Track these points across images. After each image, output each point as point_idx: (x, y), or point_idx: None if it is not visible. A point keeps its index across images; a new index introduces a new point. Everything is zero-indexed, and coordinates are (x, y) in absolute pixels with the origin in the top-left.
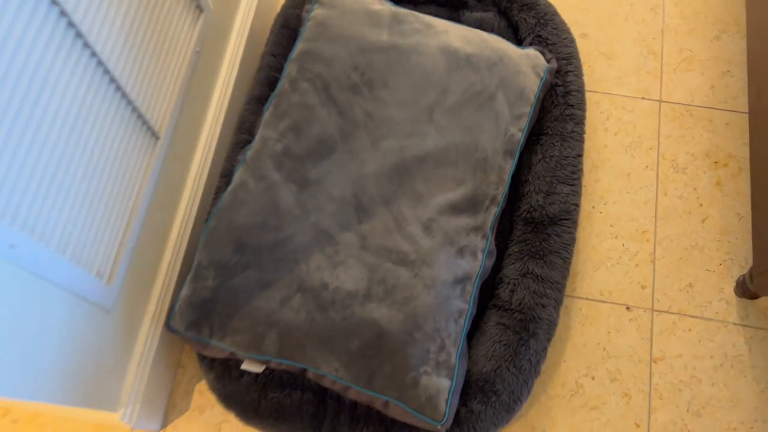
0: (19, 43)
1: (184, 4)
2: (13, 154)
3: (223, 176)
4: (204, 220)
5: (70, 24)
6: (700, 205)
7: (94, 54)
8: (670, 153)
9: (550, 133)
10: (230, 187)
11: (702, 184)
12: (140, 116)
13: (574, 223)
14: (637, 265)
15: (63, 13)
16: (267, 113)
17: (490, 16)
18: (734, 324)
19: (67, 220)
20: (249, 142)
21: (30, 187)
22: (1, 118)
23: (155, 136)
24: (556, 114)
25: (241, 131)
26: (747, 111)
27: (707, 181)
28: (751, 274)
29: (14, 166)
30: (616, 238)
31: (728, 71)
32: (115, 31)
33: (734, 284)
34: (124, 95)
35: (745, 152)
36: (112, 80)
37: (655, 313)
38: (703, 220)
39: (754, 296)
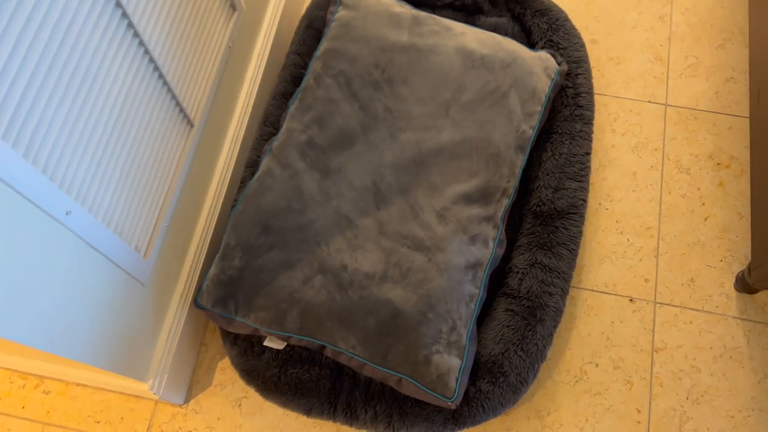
0: (81, 33)
1: (220, 3)
2: (71, 131)
3: (248, 166)
4: (230, 206)
5: (124, 15)
6: (703, 204)
7: (142, 44)
8: (675, 154)
9: (560, 131)
10: (257, 174)
11: (705, 184)
12: (178, 104)
13: (581, 218)
14: (641, 260)
15: (118, 4)
16: (293, 107)
17: (504, 20)
18: (733, 317)
19: (112, 195)
20: (273, 134)
21: (84, 162)
22: (63, 98)
23: (190, 123)
24: (566, 114)
25: (266, 124)
26: (749, 115)
27: (710, 181)
28: (750, 268)
29: (72, 142)
30: (621, 233)
31: (732, 77)
32: (160, 25)
33: (734, 279)
34: (165, 84)
35: (747, 155)
36: (156, 69)
37: (657, 305)
38: (706, 219)
39: (752, 291)
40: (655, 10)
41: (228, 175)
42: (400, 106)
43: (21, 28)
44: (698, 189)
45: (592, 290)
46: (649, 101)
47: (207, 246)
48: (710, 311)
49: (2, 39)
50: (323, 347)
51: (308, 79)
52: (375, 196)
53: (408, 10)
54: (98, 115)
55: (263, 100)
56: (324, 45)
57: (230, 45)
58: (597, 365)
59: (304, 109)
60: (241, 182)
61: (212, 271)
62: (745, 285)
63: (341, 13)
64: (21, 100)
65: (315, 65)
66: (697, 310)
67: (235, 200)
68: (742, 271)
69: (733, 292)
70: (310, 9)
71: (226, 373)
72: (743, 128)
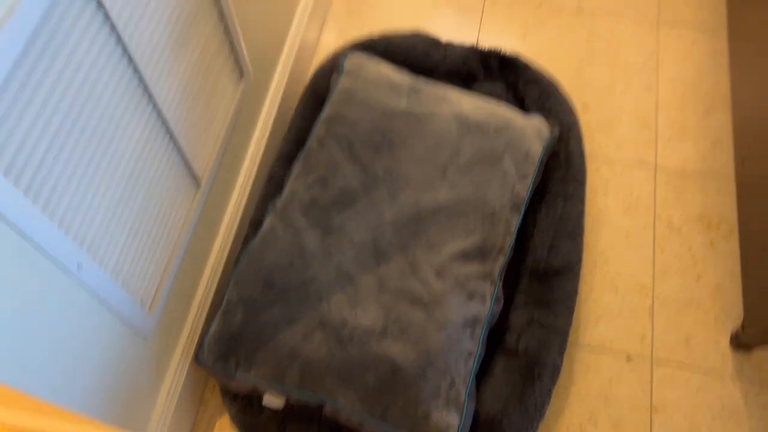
0: (100, 98)
1: (230, 69)
2: (87, 188)
3: (252, 224)
4: (233, 263)
5: (141, 80)
6: (695, 263)
7: (155, 107)
8: (666, 215)
9: (554, 192)
10: (261, 232)
11: (696, 244)
12: (187, 164)
13: (576, 276)
14: (636, 318)
15: (136, 70)
16: (297, 167)
17: (498, 87)
18: (730, 375)
19: (121, 250)
20: (277, 194)
21: (96, 217)
22: (81, 157)
23: (198, 183)
24: (559, 176)
25: (271, 184)
26: (735, 179)
27: (701, 241)
28: (743, 326)
29: (87, 198)
30: (616, 292)
31: (718, 142)
32: (174, 90)
33: (729, 337)
34: (176, 145)
35: (735, 216)
36: (168, 131)
37: (654, 363)
38: (698, 278)
39: (748, 348)
40: (643, 78)
41: (232, 233)
42: (400, 168)
43: (46, 94)
44: (690, 249)
45: (589, 348)
46: (639, 164)
47: (209, 302)
48: (707, 370)
49: (29, 105)
50: (322, 405)
51: (312, 142)
52: (375, 253)
53: (406, 78)
54: (112, 173)
55: (268, 161)
56: (328, 110)
57: (238, 109)
58: (596, 424)
59: (308, 170)
60: (245, 240)
61: (214, 327)
62: (740, 343)
63: (344, 81)
64: (43, 158)
65: (319, 129)
66: (693, 368)
67: (238, 257)
68: (737, 329)
69: (728, 350)
70: (315, 76)
71: None
72: (730, 190)
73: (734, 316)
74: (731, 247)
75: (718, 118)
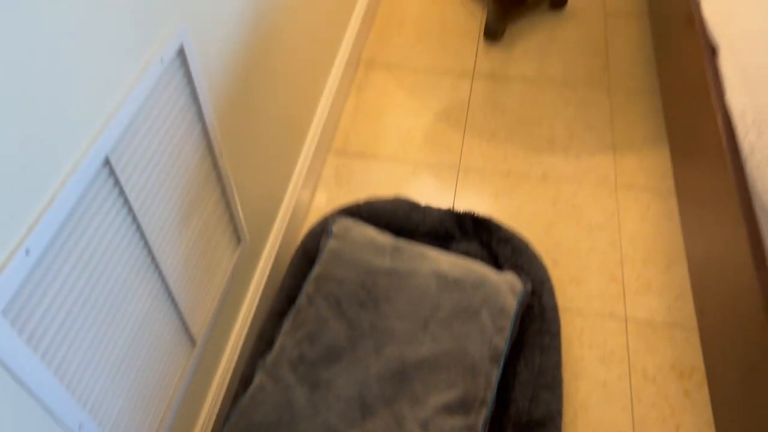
0: (107, 267)
1: (229, 238)
2: (93, 350)
3: (242, 380)
4: (223, 420)
5: (149, 250)
6: (672, 413)
7: (160, 273)
8: (641, 365)
9: (531, 344)
10: (250, 389)
11: (671, 393)
12: (185, 326)
13: (557, 428)
14: None
15: (146, 244)
16: (287, 324)
17: (473, 246)
18: None
19: (120, 409)
20: (268, 350)
21: (99, 380)
22: (92, 325)
23: (193, 343)
24: (535, 329)
25: (262, 341)
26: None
27: (675, 390)
28: None
29: (93, 360)
30: None
31: (681, 294)
32: (177, 256)
33: None
34: (176, 309)
35: (704, 365)
36: (170, 296)
37: None
38: (677, 427)
39: None
40: (607, 236)
41: (223, 389)
42: (384, 323)
43: (70, 267)
44: (666, 398)
45: None
46: (610, 316)
47: None
48: None
49: (56, 276)
50: None
51: (302, 300)
52: (361, 407)
53: (389, 239)
54: (117, 338)
55: (260, 319)
56: (317, 270)
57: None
58: None
59: (297, 327)
60: (235, 396)
61: None
62: None
63: (332, 243)
64: (60, 327)
65: (308, 287)
66: None
67: (228, 414)
68: None
69: None
70: (306, 238)
71: None
72: (697, 341)
73: None
74: (705, 396)
75: (678, 273)
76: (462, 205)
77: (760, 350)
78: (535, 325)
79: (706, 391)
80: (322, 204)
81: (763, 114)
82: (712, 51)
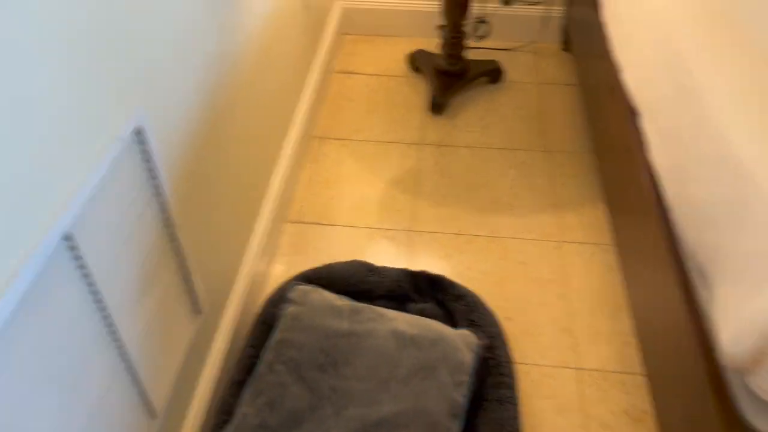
0: (71, 343)
1: (187, 308)
2: (52, 427)
3: None
4: None
5: (110, 325)
6: None
7: (120, 348)
8: (596, 413)
9: (489, 398)
10: None
11: None
12: (145, 398)
13: None
14: None
15: (106, 316)
16: (247, 393)
17: (429, 306)
18: None
19: None
20: (228, 421)
21: None
22: (49, 402)
23: (154, 415)
24: (492, 382)
25: (222, 412)
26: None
27: None
28: None
29: None
30: None
31: (628, 342)
32: (137, 331)
33: None
34: (136, 381)
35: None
36: (130, 370)
37: None
38: None
39: None
40: (555, 290)
41: None
42: (344, 385)
43: (17, 341)
44: None
45: None
46: (564, 367)
47: None
48: None
49: (12, 354)
50: None
51: (261, 367)
52: None
53: (347, 302)
54: (76, 411)
55: (220, 390)
56: (276, 336)
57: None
58: None
59: (257, 394)
60: None
61: None
62: None
63: (291, 309)
64: (7, 398)
65: (268, 355)
66: None
67: None
68: None
69: None
70: (264, 308)
71: None
72: (645, 387)
73: None
74: None
75: (624, 321)
76: (416, 266)
77: (697, 390)
78: (492, 378)
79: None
80: (281, 272)
81: (682, 170)
82: (635, 113)
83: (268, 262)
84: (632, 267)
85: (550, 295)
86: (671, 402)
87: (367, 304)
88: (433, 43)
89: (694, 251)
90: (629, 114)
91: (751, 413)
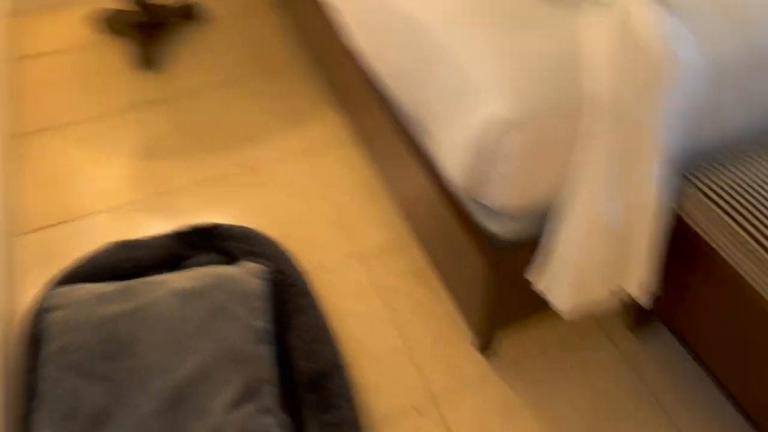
0: None
1: None
2: None
3: None
4: None
5: None
6: (426, 308)
7: None
8: (387, 284)
9: (289, 311)
10: None
11: (419, 293)
12: None
13: (343, 372)
14: (405, 372)
15: None
16: (38, 417)
17: (207, 257)
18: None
19: None
20: None
21: None
22: None
23: None
24: (288, 297)
25: None
26: None
27: (422, 290)
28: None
29: None
30: (379, 362)
31: (394, 217)
32: None
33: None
34: None
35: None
36: None
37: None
38: (434, 316)
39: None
40: (318, 195)
41: None
42: (140, 362)
43: None
44: (417, 300)
45: (387, 421)
46: (349, 258)
47: None
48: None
49: None
50: None
51: (43, 386)
52: None
53: (116, 285)
54: None
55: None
56: (49, 348)
57: None
58: None
59: (51, 411)
60: None
61: None
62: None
63: (54, 315)
64: None
65: (47, 370)
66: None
67: None
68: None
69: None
70: (28, 327)
71: None
72: (417, 247)
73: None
74: (440, 280)
75: (386, 201)
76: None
77: (448, 223)
78: (288, 294)
79: (438, 275)
80: (36, 290)
81: (380, 46)
82: (336, 12)
83: (14, 285)
84: (378, 152)
85: (317, 201)
86: (435, 245)
87: (142, 278)
88: (115, 1)
89: (412, 112)
90: (329, 18)
91: (484, 220)
